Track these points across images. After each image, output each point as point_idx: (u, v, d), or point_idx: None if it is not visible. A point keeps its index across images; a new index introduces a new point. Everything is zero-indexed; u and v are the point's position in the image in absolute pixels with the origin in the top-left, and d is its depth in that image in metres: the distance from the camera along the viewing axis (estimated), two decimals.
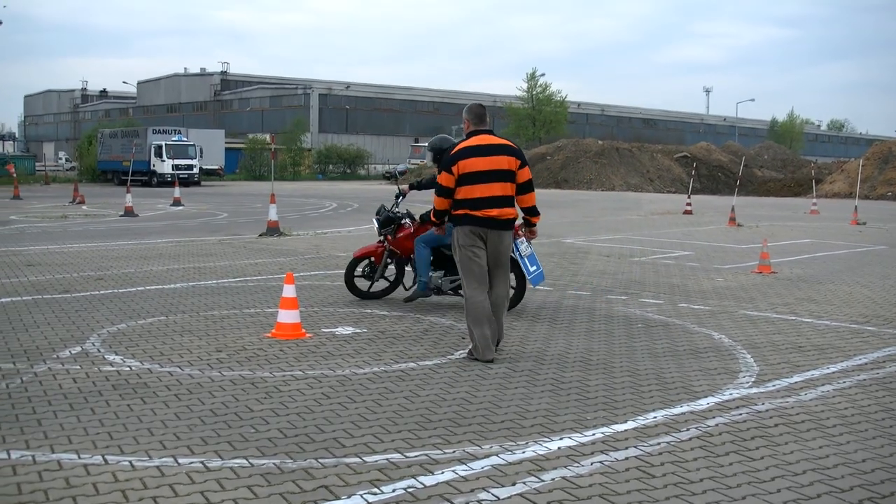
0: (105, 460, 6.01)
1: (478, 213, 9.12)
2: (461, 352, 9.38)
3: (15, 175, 49.81)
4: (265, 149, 78.71)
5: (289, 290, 10.11)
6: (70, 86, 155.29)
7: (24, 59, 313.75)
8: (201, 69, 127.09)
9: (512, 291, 11.49)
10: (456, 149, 9.22)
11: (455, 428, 6.78)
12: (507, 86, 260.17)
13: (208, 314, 11.41)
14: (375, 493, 5.42)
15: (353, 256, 13.08)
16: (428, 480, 5.65)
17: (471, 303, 9.15)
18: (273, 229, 22.94)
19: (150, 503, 5.27)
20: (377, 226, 12.86)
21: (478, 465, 5.94)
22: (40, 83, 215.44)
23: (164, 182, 59.48)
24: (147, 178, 62.61)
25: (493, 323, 9.23)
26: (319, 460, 6.01)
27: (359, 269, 12.92)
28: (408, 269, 12.80)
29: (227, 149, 78.23)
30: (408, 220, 12.58)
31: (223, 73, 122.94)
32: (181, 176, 57.06)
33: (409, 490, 5.49)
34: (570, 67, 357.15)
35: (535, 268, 11.72)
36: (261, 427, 6.77)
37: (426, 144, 12.63)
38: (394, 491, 5.47)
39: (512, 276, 11.75)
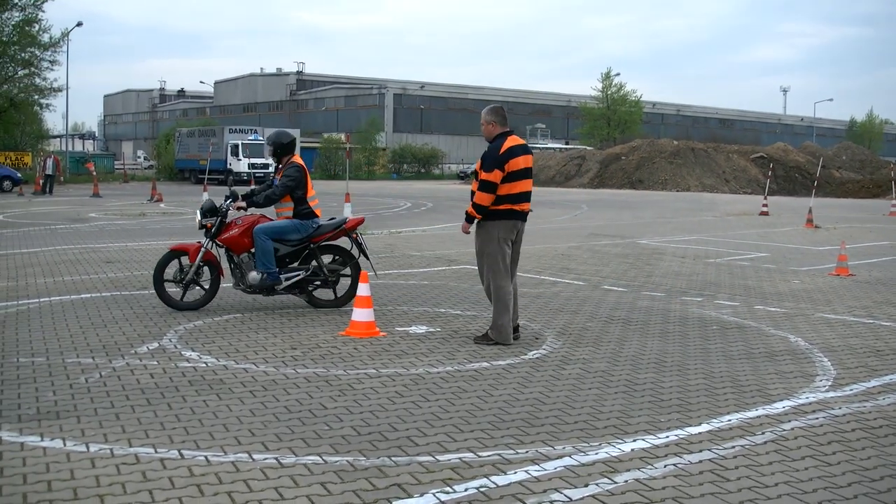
0: (181, 455, 6.09)
1: (517, 208, 9.84)
2: (534, 352, 9.37)
3: (95, 173, 50.57)
4: (340, 148, 79.16)
5: (363, 289, 10.17)
6: (149, 85, 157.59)
7: (104, 60, 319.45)
8: (277, 69, 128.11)
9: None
10: (503, 149, 9.68)
11: (528, 428, 6.78)
12: (579, 86, 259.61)
13: (283, 311, 11.51)
14: (448, 492, 5.44)
15: (169, 249, 11.95)
16: (500, 480, 5.66)
17: (503, 292, 9.75)
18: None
19: (224, 498, 5.33)
20: (199, 216, 11.77)
21: (550, 466, 5.94)
22: (120, 83, 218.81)
23: (240, 181, 59.94)
24: (223, 177, 63.15)
25: (516, 310, 10.06)
26: (392, 458, 6.04)
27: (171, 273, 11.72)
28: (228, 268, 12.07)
29: (302, 148, 78.70)
30: (237, 211, 11.85)
31: (299, 73, 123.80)
32: (257, 175, 57.58)
33: (482, 489, 5.50)
34: (645, 67, 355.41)
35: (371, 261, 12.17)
36: (334, 424, 6.82)
37: (277, 141, 12.07)
38: (466, 490, 5.48)
39: (349, 268, 12.04)
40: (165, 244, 19.41)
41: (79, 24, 70.89)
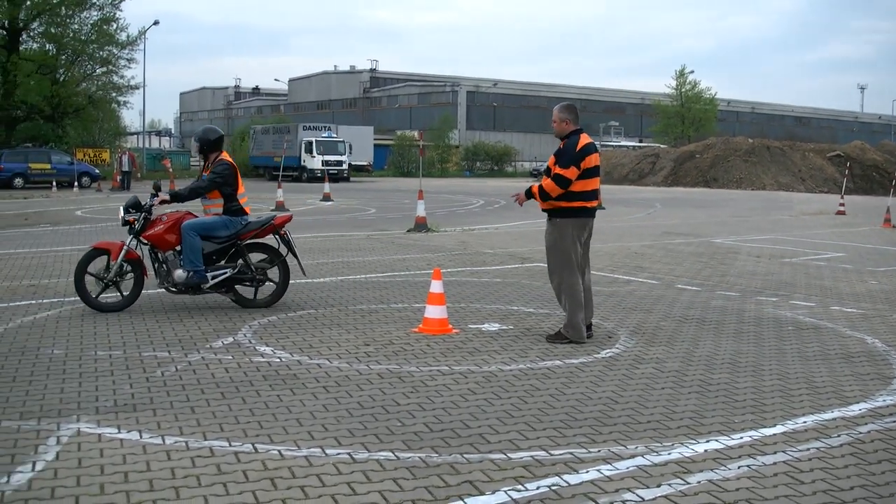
0: (255, 448, 6.15)
1: (588, 205, 9.91)
2: (607, 351, 9.34)
3: (171, 170, 51.13)
4: (413, 145, 79.35)
5: (436, 286, 10.19)
6: (224, 83, 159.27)
7: (180, 58, 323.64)
8: (351, 67, 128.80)
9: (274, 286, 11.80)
10: (580, 146, 9.72)
11: (600, 427, 6.76)
12: (653, 83, 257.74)
13: (356, 308, 11.56)
14: (520, 490, 5.44)
15: (91, 247, 11.58)
16: (572, 479, 5.64)
17: (576, 289, 9.79)
18: (421, 225, 23.12)
19: (297, 492, 5.37)
20: (121, 212, 11.50)
21: (623, 466, 5.91)
22: (195, 81, 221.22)
23: (314, 177, 60.45)
24: (297, 174, 63.73)
25: (590, 307, 10.08)
26: (464, 455, 6.05)
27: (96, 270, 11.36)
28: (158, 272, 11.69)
29: (375, 145, 79.18)
30: (160, 206, 11.58)
31: (372, 70, 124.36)
32: (331, 172, 57.93)
33: (553, 488, 5.49)
34: (719, 64, 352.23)
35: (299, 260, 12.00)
36: (407, 421, 6.84)
37: (203, 137, 11.88)
38: (538, 488, 5.47)
39: (275, 269, 11.85)
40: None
41: (155, 23, 71.90)
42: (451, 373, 8.33)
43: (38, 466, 5.79)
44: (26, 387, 7.71)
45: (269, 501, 5.23)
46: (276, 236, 11.75)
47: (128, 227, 11.41)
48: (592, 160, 9.78)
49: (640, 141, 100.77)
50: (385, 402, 7.35)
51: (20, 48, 61.55)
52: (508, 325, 10.56)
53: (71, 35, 62.99)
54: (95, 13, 63.26)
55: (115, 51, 64.56)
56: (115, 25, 63.86)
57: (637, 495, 5.40)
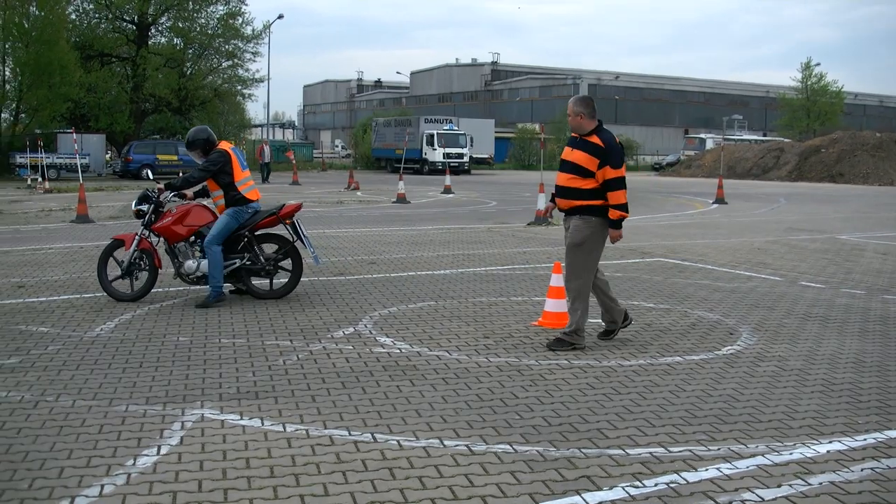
0: (374, 438, 6.22)
1: (628, 214, 9.22)
2: (728, 347, 9.21)
3: (294, 161, 51.92)
4: (534, 138, 79.22)
5: (556, 280, 10.16)
6: (347, 76, 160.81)
7: (303, 51, 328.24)
8: (472, 60, 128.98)
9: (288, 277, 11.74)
10: (617, 142, 9.09)
11: (720, 425, 6.68)
12: (777, 76, 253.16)
13: (476, 300, 11.59)
14: (637, 487, 5.41)
15: (112, 239, 11.85)
16: (691, 477, 5.60)
17: (589, 291, 9.27)
18: (541, 218, 23.04)
19: (415, 482, 5.42)
20: (133, 205, 11.76)
21: (742, 465, 5.84)
22: (319, 73, 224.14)
23: (435, 170, 60.65)
24: (419, 166, 63.98)
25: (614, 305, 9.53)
26: (582, 450, 6.04)
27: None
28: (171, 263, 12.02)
29: (496, 138, 79.06)
30: (170, 199, 11.65)
31: (494, 63, 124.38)
32: (452, 164, 58.14)
33: (672, 485, 5.45)
34: (845, 56, 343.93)
35: (312, 249, 11.86)
36: (525, 414, 6.85)
37: (190, 139, 11.77)
38: (656, 485, 5.44)
39: (288, 260, 11.73)
40: (361, 231, 19.81)
41: (280, 17, 73.42)
42: (570, 367, 8.31)
43: (163, 450, 5.94)
44: (153, 372, 7.92)
45: (388, 491, 5.28)
46: (285, 225, 11.74)
47: (141, 218, 11.61)
48: None
49: (765, 135, 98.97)
50: (504, 394, 7.37)
51: (149, 43, 63.04)
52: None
53: (198, 29, 64.34)
54: (221, 8, 64.61)
55: (240, 44, 65.74)
56: (240, 20, 65.14)
57: (757, 495, 5.33)
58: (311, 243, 11.75)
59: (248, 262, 11.52)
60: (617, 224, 9.06)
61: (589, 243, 9.09)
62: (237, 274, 11.54)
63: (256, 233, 11.65)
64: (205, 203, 11.89)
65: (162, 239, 11.58)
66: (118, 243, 11.58)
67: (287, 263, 11.87)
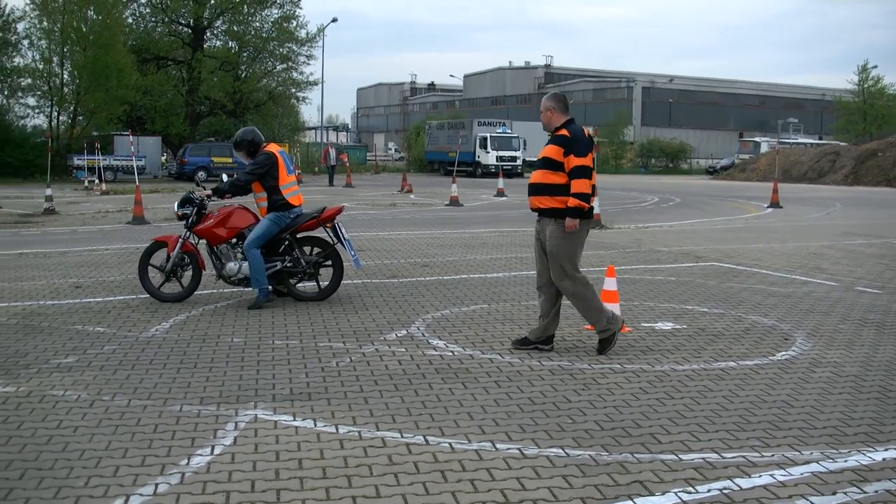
0: (426, 441, 6.23)
1: (592, 203, 9.00)
2: (783, 353, 9.14)
3: (348, 164, 52.11)
4: None
5: (609, 283, 10.13)
6: (400, 79, 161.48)
7: (357, 54, 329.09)
8: (525, 62, 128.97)
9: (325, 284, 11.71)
10: (586, 133, 8.92)
11: (774, 431, 6.63)
12: (833, 79, 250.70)
13: (529, 304, 11.57)
14: (690, 492, 5.38)
15: (152, 240, 12.05)
16: (744, 483, 5.56)
17: (590, 287, 9.07)
18: (595, 222, 22.97)
19: (467, 485, 5.42)
20: (175, 208, 11.83)
21: (797, 471, 5.79)
22: (372, 77, 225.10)
23: (488, 173, 60.73)
24: (472, 169, 64.07)
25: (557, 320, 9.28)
26: (635, 455, 6.02)
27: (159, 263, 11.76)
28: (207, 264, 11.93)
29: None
30: (211, 201, 11.76)
31: (547, 66, 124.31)
32: (505, 167, 58.10)
33: (725, 492, 5.41)
34: None
35: (353, 252, 11.75)
36: (578, 418, 6.83)
37: (236, 139, 11.88)
38: (709, 491, 5.41)
39: (330, 266, 11.70)
40: (414, 234, 19.86)
41: (334, 20, 73.71)
42: (623, 371, 8.28)
43: (217, 450, 5.99)
44: (207, 373, 7.99)
45: (439, 494, 5.29)
46: (326, 228, 11.76)
47: (184, 221, 11.68)
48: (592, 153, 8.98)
49: (820, 138, 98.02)
50: (556, 398, 7.36)
51: (204, 46, 63.58)
52: (682, 325, 10.43)
53: (252, 33, 64.78)
54: (276, 11, 65.02)
55: (294, 48, 66.11)
56: (294, 23, 65.49)
57: (811, 502, 5.29)
58: (352, 246, 11.78)
59: (289, 265, 11.56)
60: (573, 213, 8.77)
61: (568, 248, 8.96)
62: (278, 276, 11.57)
63: (298, 235, 11.70)
64: (246, 205, 11.95)
65: (204, 241, 11.67)
66: (158, 245, 11.72)
67: (328, 266, 11.90)
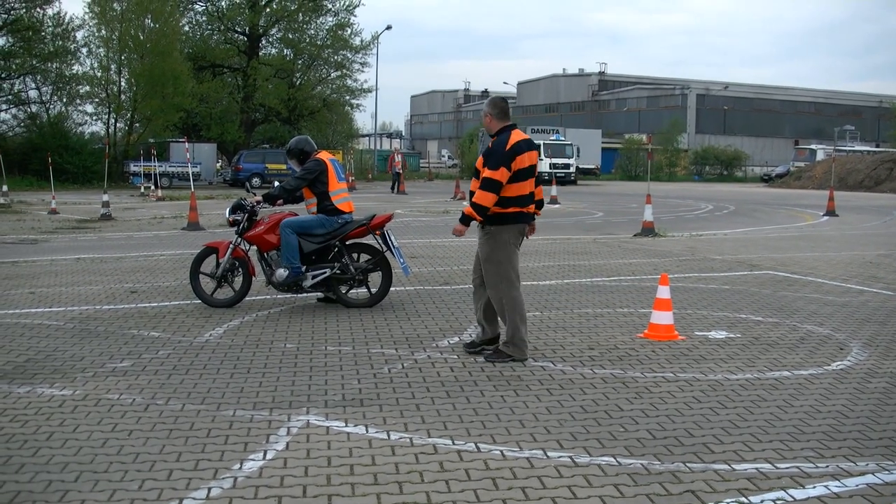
0: (477, 448, 6.23)
1: (525, 210, 8.99)
2: (838, 363, 9.04)
3: (402, 171, 52.22)
4: (642, 149, 78.77)
5: (663, 292, 10.08)
6: (453, 86, 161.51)
7: (411, 62, 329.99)
8: (579, 70, 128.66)
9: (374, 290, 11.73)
10: (509, 144, 8.79)
11: (829, 441, 6.56)
12: (891, 86, 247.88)
13: (581, 311, 11.55)
14: (743, 503, 5.34)
15: (203, 246, 12.10)
16: (798, 494, 5.51)
17: (519, 301, 8.96)
18: (648, 230, 22.90)
19: (518, 493, 5.42)
20: (227, 214, 11.89)
21: (852, 483, 5.72)
22: (425, 84, 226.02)
23: (541, 180, 60.43)
24: None
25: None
26: (687, 464, 5.98)
27: (209, 269, 11.87)
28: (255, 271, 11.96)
29: (603, 148, 78.80)
30: (262, 207, 11.78)
31: (601, 73, 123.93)
32: (558, 174, 57.96)
33: (778, 502, 5.37)
34: None
35: (402, 259, 11.65)
36: (630, 426, 6.80)
37: (288, 147, 12.04)
38: (762, 501, 5.36)
39: (379, 273, 11.67)
40: (466, 241, 19.86)
41: (388, 28, 74.01)
42: (676, 380, 8.23)
43: (269, 455, 6.03)
44: (260, 378, 8.04)
45: (490, 501, 5.29)
46: (375, 236, 11.76)
47: (235, 227, 11.75)
48: (524, 160, 8.87)
49: (877, 146, 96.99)
50: (608, 406, 7.33)
51: (259, 54, 64.09)
52: (736, 334, 10.35)
53: (307, 40, 65.26)
54: (331, 19, 65.52)
55: (349, 55, 66.49)
56: (349, 30, 65.88)
57: None
58: (401, 254, 11.76)
59: (338, 272, 11.60)
60: (464, 219, 9.03)
61: (495, 255, 8.98)
62: (328, 282, 11.61)
63: (347, 242, 11.72)
64: (297, 212, 12.03)
65: (254, 247, 11.75)
66: (209, 251, 11.81)
67: (377, 273, 11.95)
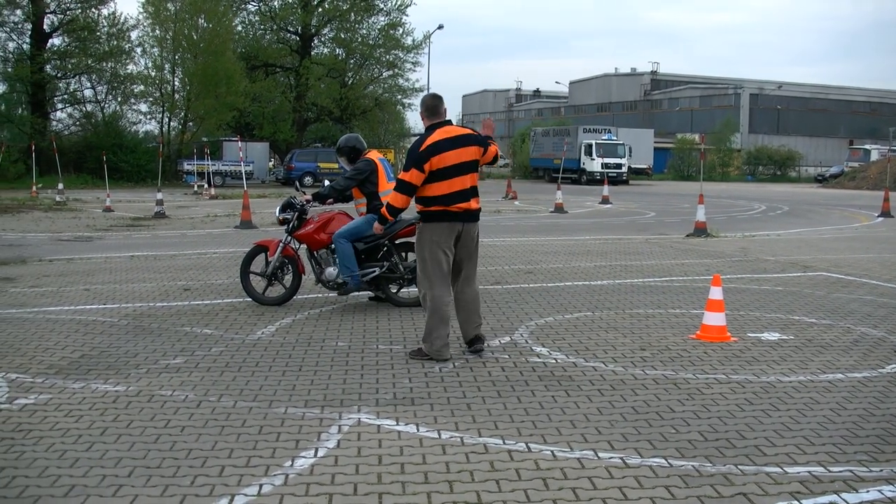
0: (528, 448, 6.23)
1: (452, 209, 8.79)
2: (893, 366, 8.94)
3: None
4: (694, 149, 78.34)
5: (715, 293, 10.02)
6: (505, 85, 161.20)
7: (463, 61, 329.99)
8: (632, 69, 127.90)
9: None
10: (424, 145, 8.70)
11: (883, 445, 6.49)
12: None
13: (633, 312, 11.51)
14: None
15: (253, 245, 12.25)
16: (851, 498, 5.45)
17: (438, 302, 8.84)
18: (700, 230, 22.78)
19: (569, 493, 5.41)
20: (277, 213, 12.02)
21: None
22: (477, 83, 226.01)
23: (593, 180, 60.50)
24: (577, 176, 63.90)
25: (470, 320, 9.13)
26: (739, 467, 5.95)
27: (258, 268, 11.99)
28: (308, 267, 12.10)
29: (655, 148, 78.43)
30: (311, 206, 11.86)
31: (653, 72, 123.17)
32: (610, 174, 57.88)
33: None
34: None
35: None
36: (681, 428, 6.77)
37: (339, 145, 12.11)
38: None
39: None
40: (518, 241, 19.86)
41: (440, 27, 74.27)
42: (728, 381, 8.18)
43: (321, 453, 6.06)
44: (311, 376, 8.08)
45: (541, 501, 5.29)
46: None
47: (285, 226, 11.82)
48: (447, 159, 8.70)
49: None
50: (660, 408, 7.30)
51: (312, 53, 64.40)
52: (789, 335, 10.27)
53: (359, 40, 65.51)
54: (383, 18, 65.74)
55: (400, 54, 66.68)
56: (401, 30, 66.06)
57: None
58: None
59: (387, 271, 11.63)
60: (381, 219, 9.22)
61: (420, 251, 9.00)
62: (377, 281, 11.65)
63: (396, 242, 11.73)
64: (347, 211, 12.08)
65: (304, 245, 11.83)
66: (259, 249, 11.92)
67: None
